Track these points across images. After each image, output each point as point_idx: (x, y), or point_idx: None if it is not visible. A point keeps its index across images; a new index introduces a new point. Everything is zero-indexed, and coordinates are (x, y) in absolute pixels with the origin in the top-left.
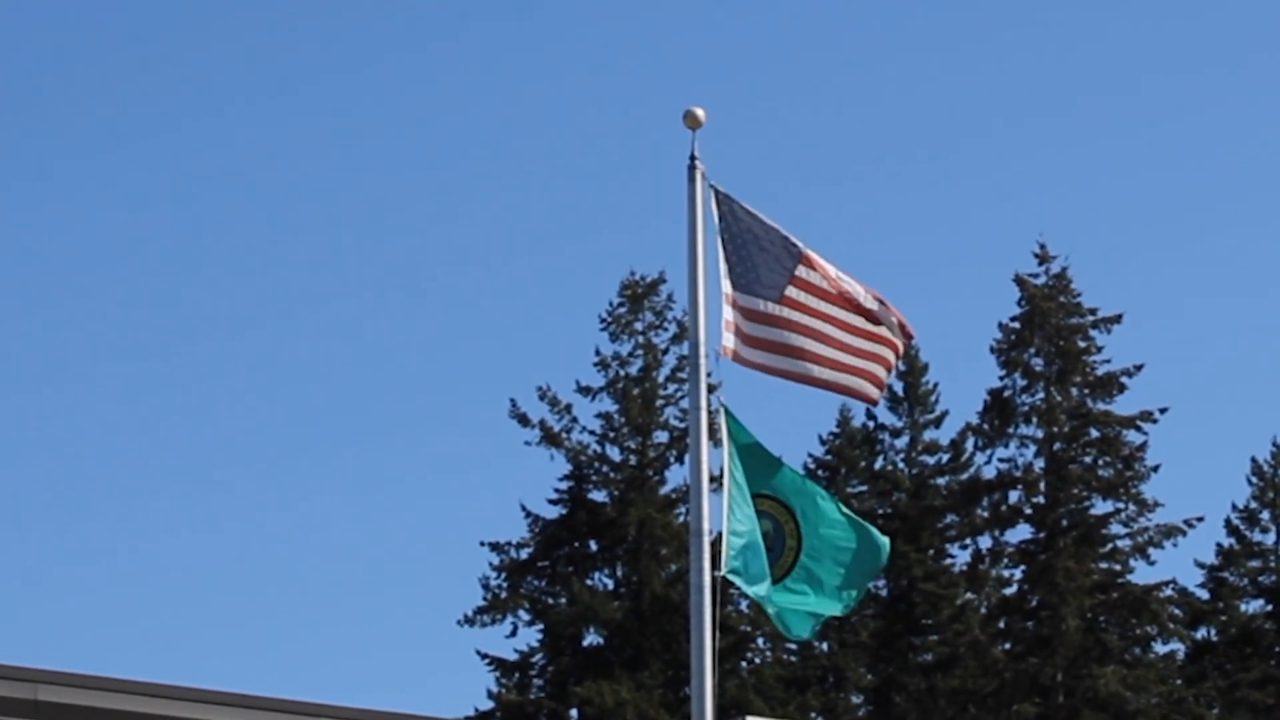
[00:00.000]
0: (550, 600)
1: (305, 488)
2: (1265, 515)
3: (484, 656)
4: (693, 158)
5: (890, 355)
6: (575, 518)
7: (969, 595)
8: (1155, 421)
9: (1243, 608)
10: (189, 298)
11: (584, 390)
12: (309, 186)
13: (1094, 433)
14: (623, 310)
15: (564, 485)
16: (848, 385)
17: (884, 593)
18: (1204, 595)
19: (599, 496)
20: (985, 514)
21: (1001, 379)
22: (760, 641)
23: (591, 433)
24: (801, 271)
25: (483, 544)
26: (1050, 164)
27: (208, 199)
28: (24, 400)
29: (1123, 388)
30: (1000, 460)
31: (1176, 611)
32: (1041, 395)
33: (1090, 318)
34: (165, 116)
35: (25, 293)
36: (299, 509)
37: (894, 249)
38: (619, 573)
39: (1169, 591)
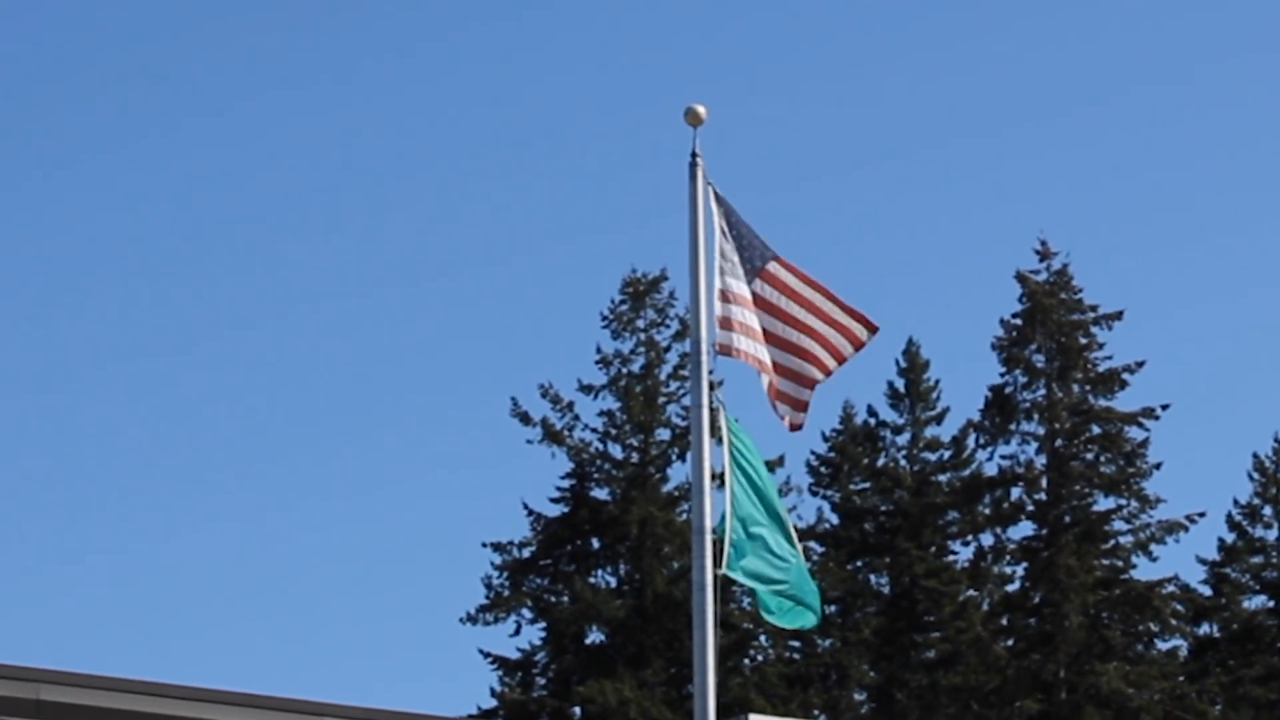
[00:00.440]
0: (552, 598)
1: (307, 487)
2: (1267, 511)
3: (487, 655)
4: (694, 155)
5: (859, 333)
6: (577, 516)
7: (971, 592)
8: (1157, 418)
9: (1245, 604)
10: (189, 298)
11: (586, 388)
12: (309, 186)
13: (1096, 429)
14: (624, 308)
15: (566, 483)
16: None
17: (886, 590)
18: (1206, 591)
19: (601, 494)
20: (987, 511)
21: (1003, 376)
22: (762, 639)
23: (593, 430)
24: (772, 267)
25: (485, 544)
26: (1051, 161)
27: (208, 199)
28: (24, 400)
29: (1124, 384)
30: (1002, 457)
31: (1179, 608)
32: (1043, 392)
33: (1091, 314)
34: (165, 116)
35: (25, 293)
36: (301, 508)
37: (895, 246)
38: (621, 571)
39: (1171, 588)
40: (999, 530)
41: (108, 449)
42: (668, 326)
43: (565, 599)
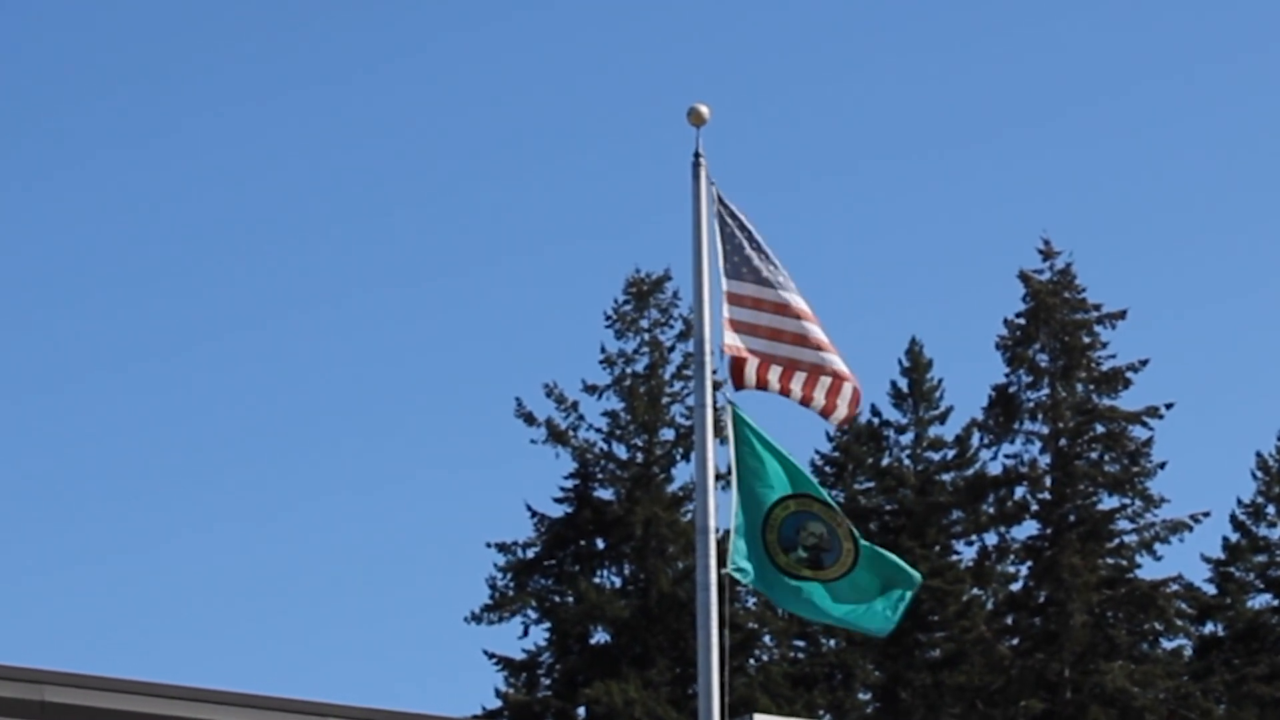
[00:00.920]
0: (557, 599)
1: (311, 487)
2: (1271, 510)
3: (491, 656)
4: (697, 154)
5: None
6: (581, 516)
7: (975, 591)
8: (1161, 417)
9: (1249, 603)
10: (189, 298)
11: (590, 388)
12: (309, 186)
13: (1100, 428)
14: (628, 307)
15: (570, 483)
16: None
17: None
18: (1211, 590)
19: (605, 495)
20: (991, 510)
21: (1007, 375)
22: (768, 639)
23: (597, 430)
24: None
25: (489, 545)
26: (1054, 160)
27: (208, 199)
28: (24, 400)
29: (1128, 383)
30: (1006, 456)
31: (1183, 607)
32: (1047, 391)
33: (1095, 313)
34: (165, 116)
35: (25, 293)
36: (305, 509)
37: (898, 245)
38: (626, 571)
39: (1175, 587)
40: (1003, 530)
41: (108, 449)
42: (671, 326)
43: (570, 599)
